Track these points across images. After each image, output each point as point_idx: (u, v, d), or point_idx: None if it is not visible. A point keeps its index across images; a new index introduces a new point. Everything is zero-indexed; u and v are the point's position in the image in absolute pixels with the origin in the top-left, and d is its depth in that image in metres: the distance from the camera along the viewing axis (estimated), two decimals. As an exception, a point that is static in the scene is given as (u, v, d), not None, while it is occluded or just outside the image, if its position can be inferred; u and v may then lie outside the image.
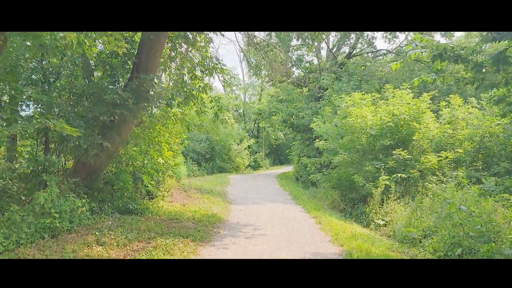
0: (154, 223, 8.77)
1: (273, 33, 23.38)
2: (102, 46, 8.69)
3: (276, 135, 40.32)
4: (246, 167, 31.36)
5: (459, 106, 13.09)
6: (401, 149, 12.05)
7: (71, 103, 7.83)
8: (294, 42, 25.36)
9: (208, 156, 25.15)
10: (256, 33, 25.99)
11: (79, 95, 7.74)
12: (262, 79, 34.33)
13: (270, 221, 10.48)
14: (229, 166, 28.45)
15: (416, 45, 6.47)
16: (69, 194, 6.52)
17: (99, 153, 7.79)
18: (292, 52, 24.63)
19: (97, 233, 6.87)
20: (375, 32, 23.61)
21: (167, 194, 12.32)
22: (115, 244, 6.45)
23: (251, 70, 30.78)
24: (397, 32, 23.16)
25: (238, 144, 31.09)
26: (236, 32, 13.92)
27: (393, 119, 12.36)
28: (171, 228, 8.48)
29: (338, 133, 14.76)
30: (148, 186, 10.39)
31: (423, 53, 6.67)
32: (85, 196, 7.33)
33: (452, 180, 10.53)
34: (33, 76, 8.23)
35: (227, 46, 61.17)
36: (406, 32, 23.34)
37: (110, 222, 7.89)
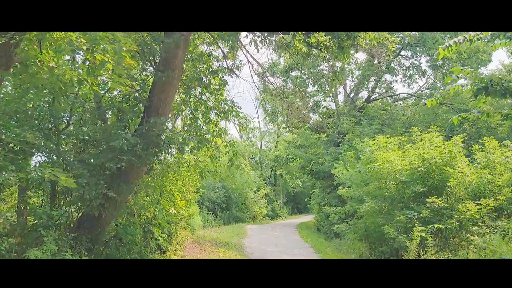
0: (163, 283, 7.79)
1: (289, 80, 23.25)
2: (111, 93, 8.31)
3: (294, 183, 39.18)
4: (264, 217, 30.08)
5: (495, 149, 12.05)
6: (435, 196, 10.95)
7: (78, 150, 7.26)
8: (310, 88, 25.14)
9: (224, 205, 24.18)
10: (272, 80, 26.03)
11: (85, 142, 7.20)
12: (279, 126, 34.04)
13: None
14: (245, 215, 27.29)
15: (457, 77, 5.74)
16: (66, 251, 5.73)
17: (104, 203, 7.07)
18: (308, 98, 24.32)
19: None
20: (393, 76, 23.23)
21: (179, 248, 11.36)
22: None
23: (267, 117, 30.58)
24: (416, 76, 22.71)
25: (255, 193, 30.09)
26: (253, 76, 13.59)
27: (424, 164, 11.38)
28: (182, 290, 7.48)
29: (363, 180, 13.76)
30: (159, 240, 9.50)
31: (465, 87, 5.93)
32: (86, 253, 6.52)
33: (497, 232, 9.33)
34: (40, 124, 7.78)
35: (243, 94, 62.00)
36: (426, 76, 22.89)
37: (113, 283, 6.96)
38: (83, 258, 6.07)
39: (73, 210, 7.91)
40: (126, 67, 4.84)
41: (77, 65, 6.10)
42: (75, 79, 4.62)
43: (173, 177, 10.53)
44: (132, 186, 7.72)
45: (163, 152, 7.72)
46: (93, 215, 7.04)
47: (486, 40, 6.27)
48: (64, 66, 5.48)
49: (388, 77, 23.10)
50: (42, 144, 6.76)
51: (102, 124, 7.55)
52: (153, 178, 9.13)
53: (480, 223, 10.22)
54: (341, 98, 25.30)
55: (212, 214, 22.25)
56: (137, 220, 8.96)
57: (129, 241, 8.44)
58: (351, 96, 23.59)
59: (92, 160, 7.00)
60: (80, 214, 7.89)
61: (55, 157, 6.76)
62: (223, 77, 9.48)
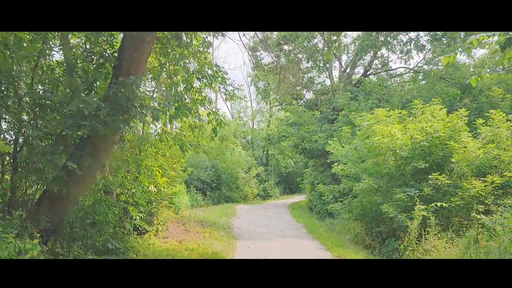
0: (137, 268, 6.89)
1: (282, 56, 22.09)
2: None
3: (286, 163, 38.36)
4: (255, 197, 29.34)
5: (502, 122, 11.17)
6: (437, 173, 10.13)
7: (32, 115, 6.20)
8: (304, 64, 23.98)
9: (213, 184, 23.30)
10: (265, 55, 24.78)
11: (41, 106, 6.12)
12: (271, 104, 32.98)
13: (284, 262, 8.51)
14: (236, 195, 26.50)
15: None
16: (8, 233, 4.75)
17: (64, 177, 6.07)
18: (302, 74, 23.20)
19: (47, 287, 5.01)
20: (390, 53, 22.20)
21: (161, 228, 10.47)
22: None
23: (259, 95, 29.43)
24: (413, 52, 21.68)
25: (246, 173, 29.25)
26: (244, 55, 12.46)
27: (427, 138, 10.51)
28: (158, 275, 6.59)
29: (359, 157, 12.91)
30: (135, 220, 8.58)
31: (491, 38, 4.96)
32: (39, 234, 5.55)
33: (507, 210, 8.55)
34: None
35: (234, 71, 60.20)
36: (423, 52, 21.86)
37: (78, 269, 6.03)
38: (35, 240, 5.12)
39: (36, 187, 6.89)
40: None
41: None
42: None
43: (152, 151, 9.54)
44: (99, 159, 6.71)
45: (135, 120, 6.69)
46: (51, 190, 6.04)
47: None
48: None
49: (384, 52, 22.08)
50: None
51: (62, 87, 6.46)
52: (126, 152, 8.13)
53: (487, 201, 9.44)
54: (336, 73, 24.23)
55: (201, 193, 21.38)
56: (110, 198, 7.99)
57: (100, 221, 7.50)
58: (347, 71, 22.52)
59: (51, 128, 5.95)
60: (43, 191, 6.89)
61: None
62: (206, 37, 8.40)
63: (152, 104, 6.70)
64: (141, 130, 9.22)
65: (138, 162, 8.27)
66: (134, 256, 7.72)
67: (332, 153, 14.79)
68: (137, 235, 9.16)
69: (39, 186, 6.55)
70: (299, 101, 24.46)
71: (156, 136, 9.02)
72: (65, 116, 6.14)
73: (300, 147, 21.27)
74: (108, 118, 5.98)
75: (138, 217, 8.59)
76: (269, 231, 13.46)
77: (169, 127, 10.20)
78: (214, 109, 7.93)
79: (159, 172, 9.46)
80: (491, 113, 11.42)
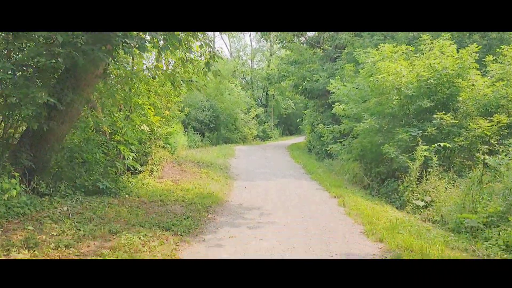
0: (129, 207, 6.71)
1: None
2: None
3: (286, 104, 37.70)
4: (254, 138, 29.17)
5: (515, 58, 10.48)
6: (443, 112, 9.69)
7: (4, 45, 5.60)
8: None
9: (212, 125, 22.95)
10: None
11: (16, 34, 5.51)
12: (271, 42, 31.65)
13: (281, 202, 8.37)
14: (235, 136, 26.27)
15: None
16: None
17: (45, 114, 5.65)
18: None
19: (30, 227, 4.79)
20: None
21: (156, 168, 10.26)
22: (52, 245, 4.38)
23: (259, 32, 28.07)
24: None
25: (245, 114, 28.77)
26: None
27: (434, 75, 9.92)
28: (150, 215, 6.43)
29: (361, 96, 12.38)
30: (127, 159, 8.29)
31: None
32: (17, 174, 5.24)
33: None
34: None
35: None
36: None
37: (66, 208, 5.83)
38: (12, 180, 4.82)
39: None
40: None
41: None
42: None
43: (144, 89, 9.02)
44: (83, 94, 6.23)
45: (120, 52, 6.10)
46: (31, 127, 5.64)
47: None
48: None
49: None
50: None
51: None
52: (116, 88, 7.61)
53: (493, 141, 9.10)
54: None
55: (199, 134, 21.11)
56: (99, 137, 7.62)
57: (90, 159, 7.19)
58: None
59: (19, 55, 5.39)
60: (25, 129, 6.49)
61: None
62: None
63: (137, 34, 6.06)
64: (131, 65, 8.64)
65: (128, 99, 7.78)
66: (127, 196, 7.54)
67: (333, 92, 14.22)
68: (131, 174, 8.94)
69: (19, 123, 6.15)
70: (300, 38, 23.30)
71: (147, 72, 8.43)
72: (38, 44, 5.55)
73: (301, 87, 20.59)
74: (87, 47, 5.40)
75: (130, 157, 8.29)
76: (268, 172, 13.33)
77: (163, 63, 9.58)
78: (207, 41, 7.27)
79: (151, 111, 9.01)
80: (503, 49, 10.71)
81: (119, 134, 8.46)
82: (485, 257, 5.19)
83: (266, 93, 36.60)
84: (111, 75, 7.20)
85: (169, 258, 4.59)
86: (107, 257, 4.26)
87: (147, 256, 4.52)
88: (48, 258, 4.08)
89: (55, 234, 4.76)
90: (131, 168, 8.80)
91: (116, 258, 4.30)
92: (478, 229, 6.31)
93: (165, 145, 11.80)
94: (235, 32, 34.74)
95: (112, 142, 8.02)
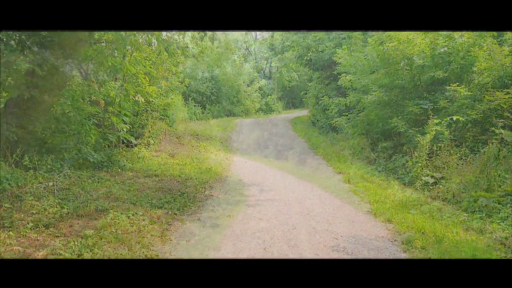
0: (121, 183, 6.32)
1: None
2: None
3: (290, 76, 36.77)
4: (257, 111, 28.54)
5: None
6: (456, 84, 9.09)
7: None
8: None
9: (213, 97, 22.34)
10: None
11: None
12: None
13: (282, 178, 7.96)
14: (237, 109, 25.66)
15: None
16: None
17: (28, 82, 5.15)
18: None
19: (7, 204, 4.40)
20: None
21: (153, 141, 9.82)
22: (30, 224, 4.00)
23: None
24: None
25: (248, 86, 28.03)
26: None
27: (448, 44, 9.25)
28: (144, 191, 6.03)
29: (370, 66, 11.73)
30: (120, 132, 7.84)
31: None
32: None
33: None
34: None
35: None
36: None
37: (51, 183, 5.44)
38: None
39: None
40: None
41: None
42: None
43: (140, 57, 8.47)
44: (66, 59, 5.70)
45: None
46: (11, 96, 5.17)
47: None
48: None
49: None
50: None
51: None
52: (106, 55, 7.05)
53: (508, 114, 8.55)
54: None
55: (200, 106, 20.56)
56: (88, 107, 7.12)
57: (79, 131, 6.74)
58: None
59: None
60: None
61: None
62: None
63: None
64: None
65: (120, 67, 7.24)
66: (119, 170, 7.14)
67: (340, 63, 13.54)
68: (126, 147, 8.52)
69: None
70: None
71: (140, 38, 7.85)
72: None
73: (306, 58, 19.78)
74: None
75: (124, 129, 7.84)
76: (270, 145, 12.89)
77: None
78: None
79: (146, 80, 8.47)
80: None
81: (113, 106, 7.99)
82: (503, 240, 4.78)
83: (270, 65, 35.67)
84: (102, 41, 6.62)
85: (159, 239, 4.21)
86: (89, 239, 3.87)
87: (134, 237, 4.13)
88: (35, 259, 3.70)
89: (34, 212, 4.37)
90: (125, 140, 8.36)
91: (100, 239, 3.92)
92: (493, 208, 5.90)
93: (162, 117, 11.33)
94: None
95: (101, 113, 7.54)
